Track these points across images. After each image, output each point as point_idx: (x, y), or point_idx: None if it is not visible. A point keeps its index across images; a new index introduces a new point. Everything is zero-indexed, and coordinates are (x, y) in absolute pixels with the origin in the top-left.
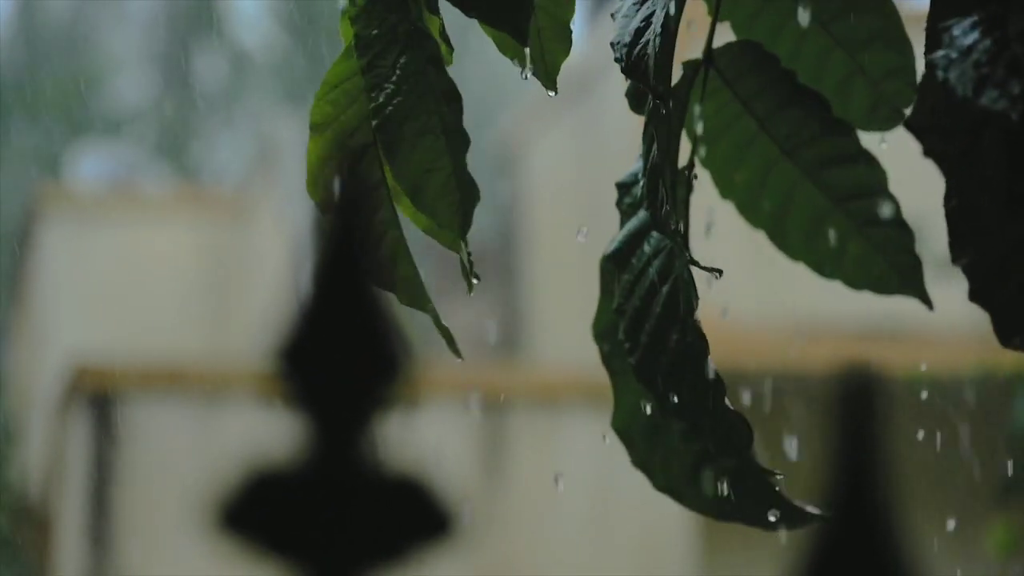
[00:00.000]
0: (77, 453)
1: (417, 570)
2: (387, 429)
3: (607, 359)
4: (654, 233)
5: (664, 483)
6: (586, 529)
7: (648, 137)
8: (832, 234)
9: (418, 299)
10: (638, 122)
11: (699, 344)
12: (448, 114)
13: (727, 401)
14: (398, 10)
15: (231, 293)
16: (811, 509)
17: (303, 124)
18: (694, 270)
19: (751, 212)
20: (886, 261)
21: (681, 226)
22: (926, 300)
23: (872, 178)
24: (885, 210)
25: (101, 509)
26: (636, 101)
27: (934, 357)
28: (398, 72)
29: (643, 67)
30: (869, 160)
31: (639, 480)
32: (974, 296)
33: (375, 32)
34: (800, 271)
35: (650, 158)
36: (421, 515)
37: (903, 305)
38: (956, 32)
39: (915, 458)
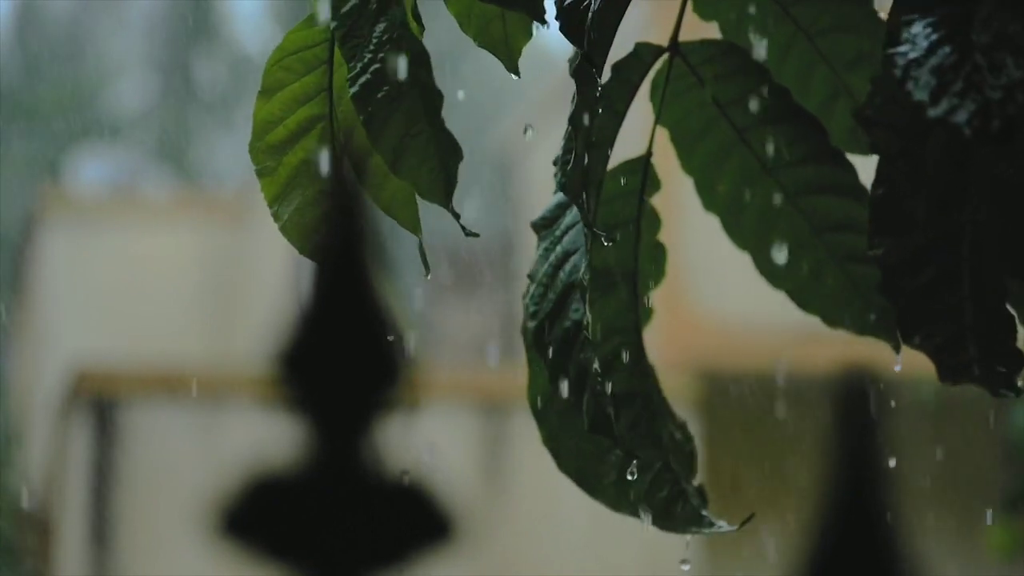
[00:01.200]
0: (78, 457)
1: (417, 574)
2: (387, 433)
3: (525, 331)
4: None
5: (570, 467)
6: (587, 533)
7: (574, 102)
8: (810, 263)
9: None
10: (636, 127)
11: (583, 314)
12: (422, 74)
13: (602, 385)
14: None
15: (232, 297)
16: (721, 524)
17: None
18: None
19: (735, 232)
20: (863, 300)
21: (587, 195)
22: (896, 346)
23: (860, 213)
24: (870, 247)
25: (102, 513)
26: (576, 70)
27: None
28: (374, 41)
29: (581, 29)
30: (861, 194)
31: None
32: (884, 288)
33: (352, 3)
34: None
35: (573, 124)
36: (421, 519)
37: None
38: (916, 29)
39: (915, 460)
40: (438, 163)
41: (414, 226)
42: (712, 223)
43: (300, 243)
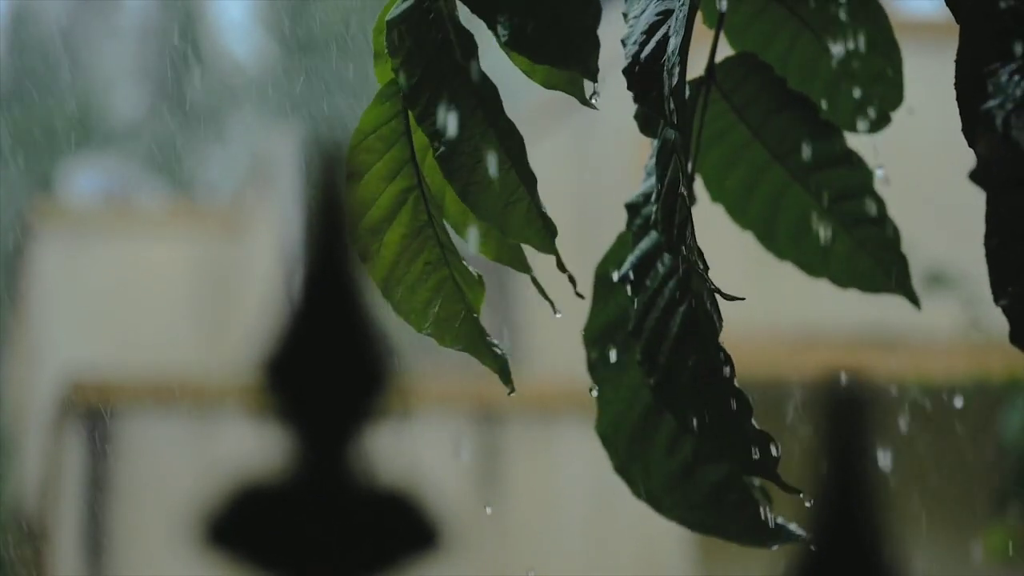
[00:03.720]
0: (72, 467)
1: None
2: (376, 441)
3: (593, 366)
4: (667, 255)
5: (644, 492)
6: (583, 540)
7: (662, 163)
8: (819, 234)
9: (473, 341)
10: (635, 132)
11: (725, 367)
12: (513, 151)
13: (754, 422)
14: (439, 56)
15: (226, 306)
16: (793, 528)
17: (296, 137)
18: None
19: (740, 214)
20: (872, 259)
21: (697, 251)
22: (913, 298)
23: (857, 179)
24: (870, 209)
25: (96, 523)
26: (645, 123)
27: (926, 366)
28: (450, 116)
29: (658, 97)
30: (854, 161)
31: None
32: (1015, 339)
33: (419, 81)
34: (792, 279)
35: (665, 183)
36: (408, 527)
37: (895, 314)
38: (1004, 78)
39: (909, 464)
40: (542, 224)
41: (524, 266)
42: (706, 232)
43: (417, 322)
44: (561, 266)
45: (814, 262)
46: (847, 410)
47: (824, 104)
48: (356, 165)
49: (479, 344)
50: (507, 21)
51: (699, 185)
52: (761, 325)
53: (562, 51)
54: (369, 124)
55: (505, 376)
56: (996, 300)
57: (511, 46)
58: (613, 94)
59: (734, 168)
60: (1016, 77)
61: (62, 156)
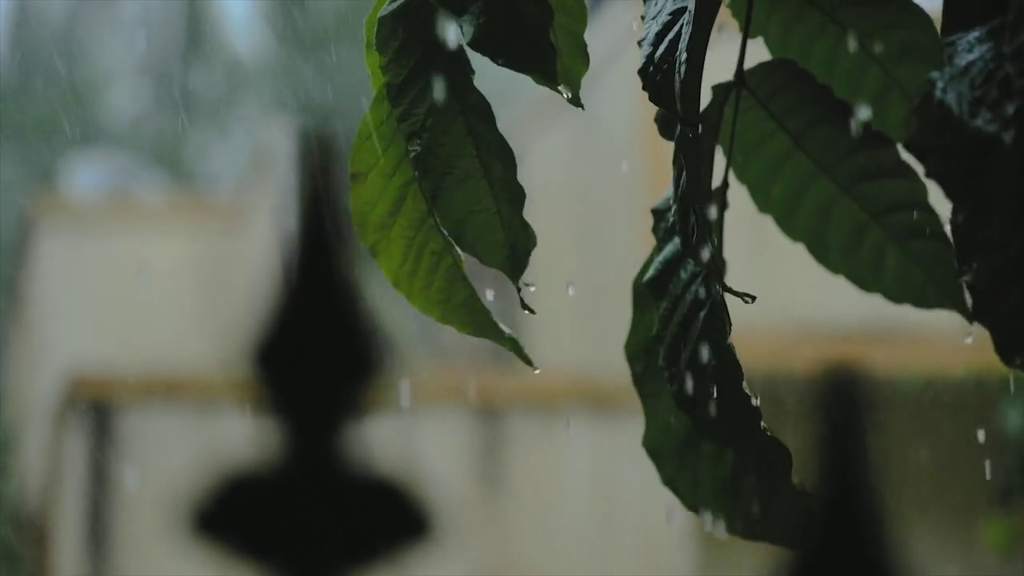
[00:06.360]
0: (75, 463)
1: (399, 572)
2: (368, 431)
3: (638, 380)
4: (690, 260)
5: (693, 501)
6: (584, 535)
7: (678, 164)
8: (870, 247)
9: (482, 325)
10: (636, 124)
11: (733, 370)
12: (499, 169)
13: (763, 425)
14: (428, 58)
15: (228, 300)
16: None
17: (296, 131)
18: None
19: (789, 226)
20: (925, 274)
21: (712, 251)
22: (966, 314)
23: (911, 191)
24: (923, 223)
25: (99, 518)
26: (665, 127)
27: (926, 359)
28: (431, 120)
29: (670, 95)
30: (908, 173)
31: (636, 486)
32: (977, 313)
33: (404, 80)
34: (789, 272)
35: (680, 186)
36: (399, 517)
37: (894, 308)
38: (960, 47)
39: (908, 459)
40: (503, 242)
41: (503, 267)
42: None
43: (436, 312)
44: (524, 304)
45: (867, 277)
46: (846, 403)
47: (872, 115)
48: (358, 165)
49: (494, 327)
50: (472, 21)
51: (746, 195)
52: (758, 318)
53: (520, 54)
54: (368, 128)
55: (521, 354)
56: (960, 275)
57: (474, 46)
58: (615, 88)
59: (778, 178)
60: (969, 44)
61: (64, 151)
